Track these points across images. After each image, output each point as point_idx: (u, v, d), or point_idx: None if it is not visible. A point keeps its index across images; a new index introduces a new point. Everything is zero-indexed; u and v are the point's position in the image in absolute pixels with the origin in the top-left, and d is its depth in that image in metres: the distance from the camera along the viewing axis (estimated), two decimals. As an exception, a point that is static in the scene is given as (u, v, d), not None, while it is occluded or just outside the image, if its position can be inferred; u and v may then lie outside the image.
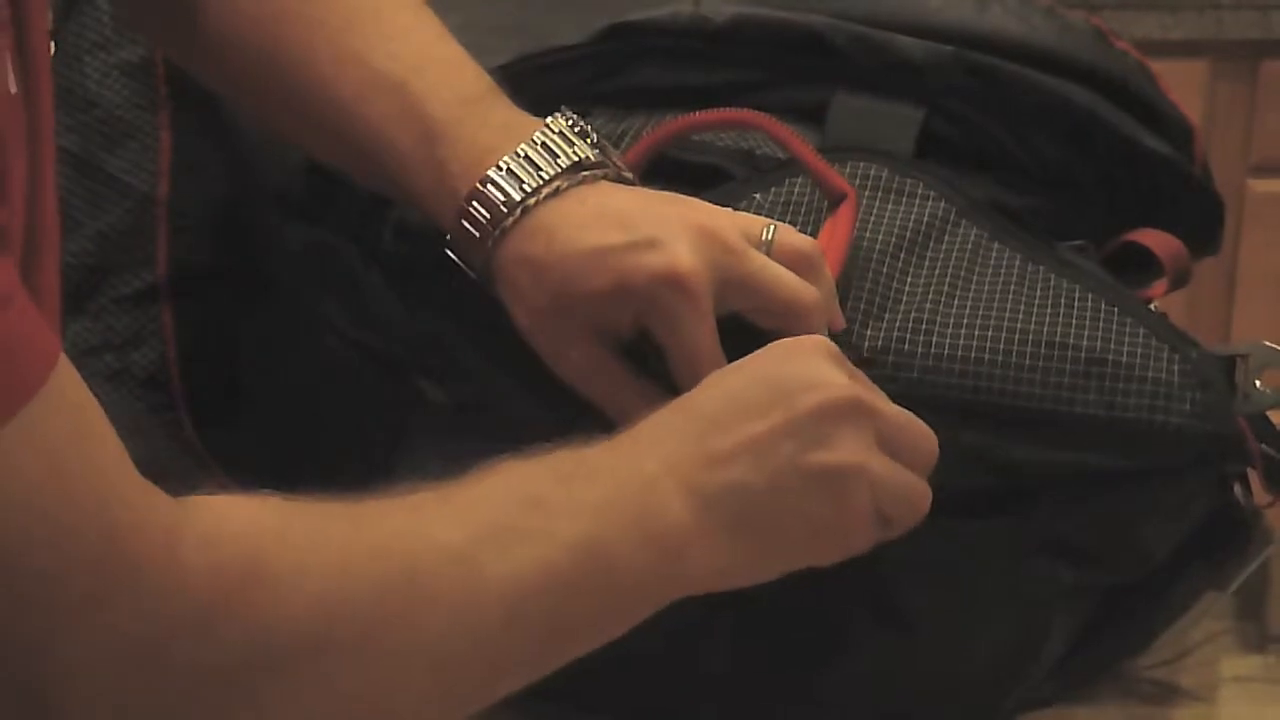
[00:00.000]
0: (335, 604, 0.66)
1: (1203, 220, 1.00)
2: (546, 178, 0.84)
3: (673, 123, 0.92)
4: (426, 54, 0.88)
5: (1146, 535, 0.91)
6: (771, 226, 0.85)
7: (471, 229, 0.84)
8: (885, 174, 0.92)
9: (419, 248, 0.93)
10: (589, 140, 0.86)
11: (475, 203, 0.84)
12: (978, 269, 0.90)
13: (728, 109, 0.92)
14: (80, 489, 0.60)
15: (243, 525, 0.66)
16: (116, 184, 0.99)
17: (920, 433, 0.80)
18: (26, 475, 0.58)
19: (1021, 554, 0.90)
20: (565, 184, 0.84)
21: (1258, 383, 0.89)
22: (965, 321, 0.87)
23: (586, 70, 0.97)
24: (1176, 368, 0.87)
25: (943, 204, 0.92)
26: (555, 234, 0.83)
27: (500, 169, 0.84)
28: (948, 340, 0.87)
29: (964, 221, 0.92)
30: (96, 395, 0.95)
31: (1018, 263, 0.90)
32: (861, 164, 0.93)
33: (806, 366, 0.78)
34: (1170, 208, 0.98)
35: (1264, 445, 0.88)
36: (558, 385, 0.86)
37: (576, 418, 0.85)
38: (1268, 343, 0.90)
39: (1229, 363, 0.90)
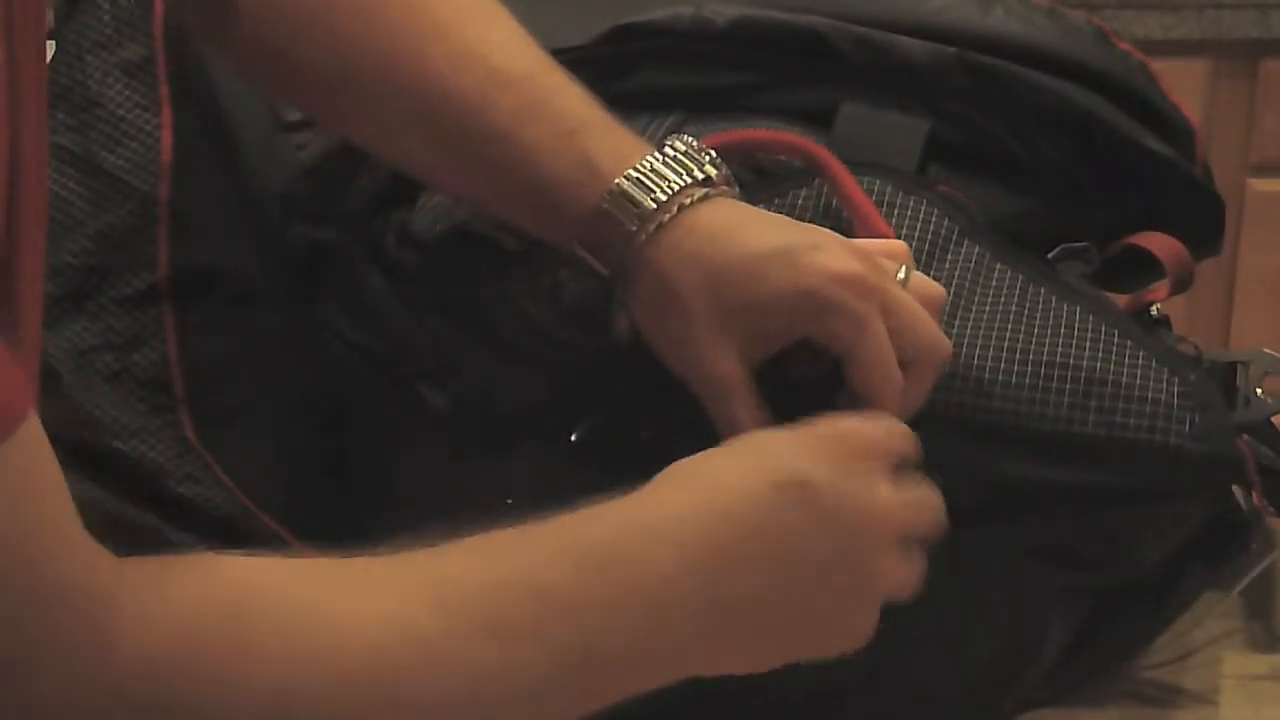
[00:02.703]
0: (287, 696, 0.62)
1: (1203, 221, 1.00)
2: (694, 180, 0.83)
3: (730, 134, 0.91)
4: (543, 58, 0.87)
5: (1142, 545, 0.91)
6: (906, 266, 0.84)
7: (621, 217, 0.82)
8: (889, 190, 0.92)
9: (421, 252, 0.93)
10: (710, 159, 0.85)
11: (628, 190, 0.82)
12: (979, 288, 0.90)
13: (793, 135, 0.92)
14: (34, 542, 0.58)
15: (188, 602, 0.62)
16: (117, 184, 0.99)
17: (938, 520, 0.79)
18: None
19: (1016, 557, 0.90)
20: (712, 192, 0.83)
21: (1259, 390, 0.89)
22: (966, 341, 0.87)
23: (588, 72, 0.96)
24: (1176, 389, 0.86)
25: (945, 222, 0.92)
26: (724, 235, 0.82)
27: (655, 160, 0.83)
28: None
29: (966, 241, 0.92)
30: (96, 395, 0.96)
31: (1019, 283, 0.90)
32: (865, 179, 0.92)
33: (869, 489, 0.75)
34: (1171, 208, 0.98)
35: (1265, 448, 0.88)
36: (558, 390, 0.85)
37: (577, 421, 0.85)
38: (1268, 350, 0.90)
39: (1230, 370, 0.90)
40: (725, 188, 0.84)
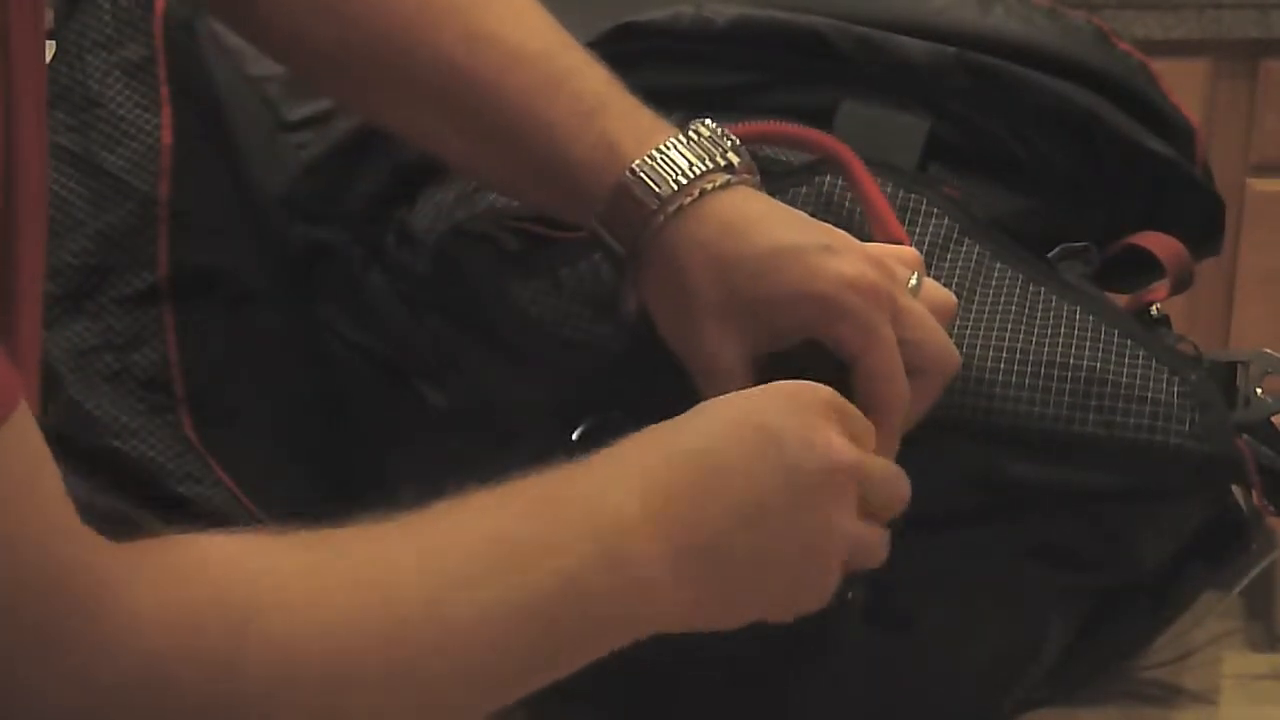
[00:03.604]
0: (304, 639, 0.63)
1: (1203, 221, 1.00)
2: (716, 165, 0.82)
3: (753, 125, 0.90)
4: (561, 36, 0.87)
5: (1142, 545, 0.91)
6: (918, 273, 0.83)
7: (642, 197, 0.82)
8: (890, 189, 0.92)
9: (421, 252, 0.93)
10: (733, 145, 0.84)
11: (649, 171, 0.82)
12: (980, 287, 0.90)
13: (816, 131, 0.91)
14: (28, 529, 0.58)
15: (196, 564, 0.62)
16: (117, 184, 0.99)
17: (899, 488, 0.78)
18: None
19: (1016, 557, 0.90)
20: (734, 179, 0.83)
21: (1259, 390, 0.89)
22: (966, 341, 0.87)
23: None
24: (1176, 389, 0.86)
25: (946, 220, 0.92)
26: (741, 226, 0.81)
27: (676, 144, 0.82)
28: None
29: (966, 240, 0.91)
30: (96, 395, 0.96)
31: (1019, 283, 0.90)
32: (868, 177, 0.92)
33: (810, 424, 0.75)
34: (1171, 208, 0.98)
35: (1264, 448, 0.88)
36: (558, 389, 0.85)
37: (577, 421, 0.85)
38: (1268, 350, 0.90)
39: (1230, 370, 0.90)
40: (747, 176, 0.84)
